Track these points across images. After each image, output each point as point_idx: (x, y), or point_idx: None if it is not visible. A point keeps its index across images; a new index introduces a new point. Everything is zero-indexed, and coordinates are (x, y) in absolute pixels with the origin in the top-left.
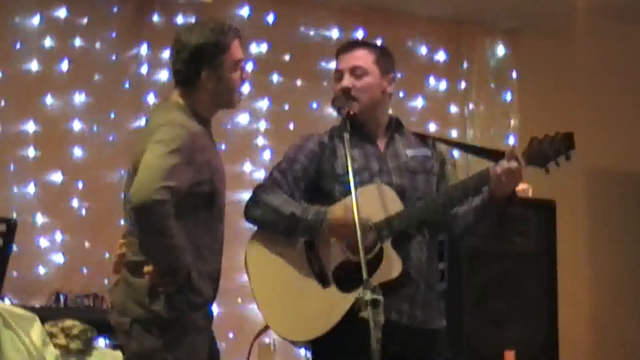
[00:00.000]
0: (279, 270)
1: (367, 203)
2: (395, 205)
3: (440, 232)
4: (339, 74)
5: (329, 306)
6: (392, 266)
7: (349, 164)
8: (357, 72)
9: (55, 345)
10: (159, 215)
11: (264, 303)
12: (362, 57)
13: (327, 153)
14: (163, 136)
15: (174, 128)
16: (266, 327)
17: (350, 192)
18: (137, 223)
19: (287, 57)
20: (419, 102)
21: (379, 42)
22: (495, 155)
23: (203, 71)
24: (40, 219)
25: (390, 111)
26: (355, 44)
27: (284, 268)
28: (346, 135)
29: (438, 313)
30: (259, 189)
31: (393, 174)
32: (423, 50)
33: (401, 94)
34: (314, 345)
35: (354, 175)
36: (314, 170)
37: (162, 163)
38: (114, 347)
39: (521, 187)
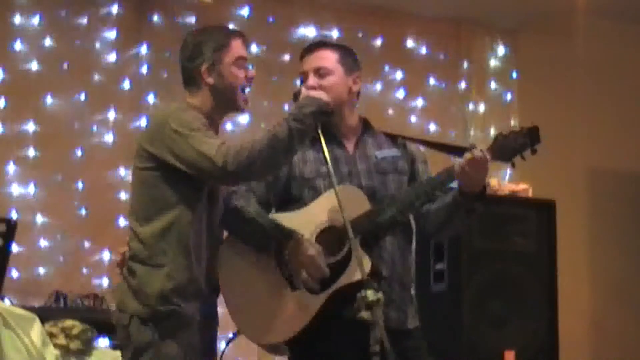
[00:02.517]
0: (249, 274)
1: (333, 206)
2: (363, 206)
3: (413, 231)
4: (303, 76)
5: (298, 308)
6: (361, 266)
7: (328, 162)
8: (321, 72)
9: (55, 345)
10: (252, 154)
11: (234, 307)
12: (326, 57)
13: (296, 157)
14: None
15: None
16: (238, 331)
17: (318, 196)
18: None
19: (286, 57)
20: (419, 102)
21: (379, 42)
22: (462, 150)
23: (202, 65)
24: (40, 219)
25: (390, 112)
26: (318, 45)
27: (254, 271)
28: (321, 135)
29: (413, 313)
30: (233, 196)
31: (362, 177)
32: (423, 50)
33: (401, 94)
34: (290, 349)
35: (323, 179)
36: (284, 176)
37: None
38: (114, 347)
39: (521, 187)
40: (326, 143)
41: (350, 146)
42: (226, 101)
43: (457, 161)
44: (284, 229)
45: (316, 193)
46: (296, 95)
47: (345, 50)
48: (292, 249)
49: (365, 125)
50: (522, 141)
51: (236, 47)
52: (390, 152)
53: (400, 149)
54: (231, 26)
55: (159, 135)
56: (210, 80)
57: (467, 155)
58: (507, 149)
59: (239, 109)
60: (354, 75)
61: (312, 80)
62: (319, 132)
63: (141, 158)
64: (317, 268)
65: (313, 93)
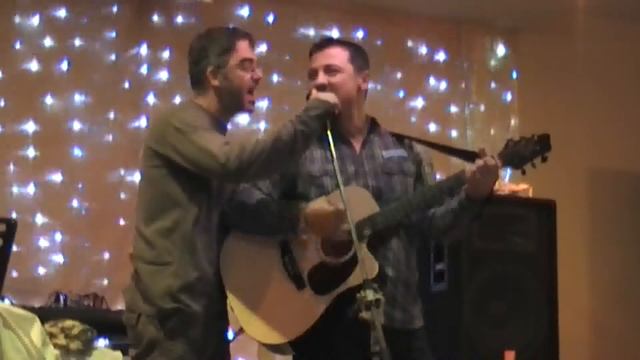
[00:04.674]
0: (254, 274)
1: (341, 205)
2: (371, 207)
3: (418, 233)
4: (313, 72)
5: (303, 309)
6: (368, 268)
7: (335, 163)
8: (331, 69)
9: (55, 346)
10: (254, 152)
11: (239, 306)
12: (336, 55)
13: (303, 155)
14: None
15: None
16: (241, 330)
17: (325, 194)
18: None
19: (287, 57)
20: (419, 102)
21: (379, 42)
22: (471, 155)
23: (207, 68)
24: (40, 219)
25: (390, 111)
26: (328, 42)
27: (259, 271)
28: (329, 135)
29: (417, 313)
30: (236, 190)
31: (369, 177)
32: (423, 50)
33: (401, 94)
34: (295, 349)
35: (330, 178)
36: (290, 173)
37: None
38: (114, 347)
39: (521, 187)
40: (334, 141)
41: (357, 145)
42: (232, 103)
43: (468, 167)
44: (291, 205)
45: (322, 191)
46: (309, 96)
47: (355, 48)
48: (313, 211)
49: (373, 125)
50: (533, 149)
51: (242, 49)
52: (396, 152)
53: (407, 150)
54: (230, 26)
55: (162, 134)
56: (216, 82)
57: (479, 162)
58: (517, 156)
59: (245, 110)
60: (364, 74)
61: (321, 77)
62: (328, 131)
63: (148, 157)
64: (339, 216)
65: (322, 95)
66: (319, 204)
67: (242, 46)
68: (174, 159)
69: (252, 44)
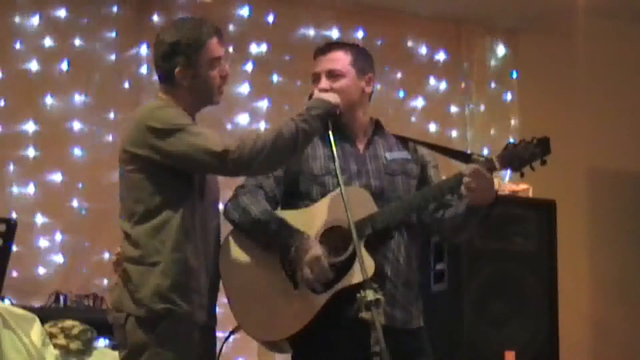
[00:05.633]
0: (252, 271)
1: (340, 206)
2: (370, 208)
3: (418, 233)
4: (316, 77)
5: (301, 306)
6: (363, 269)
7: (336, 162)
8: (333, 74)
9: (55, 346)
10: (255, 147)
11: (236, 303)
12: (339, 60)
13: (306, 153)
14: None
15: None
16: (237, 328)
17: (327, 193)
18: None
19: (287, 57)
20: (419, 102)
21: (379, 42)
22: (465, 157)
23: (177, 67)
24: (40, 219)
25: (390, 111)
26: (331, 46)
27: (257, 269)
28: (331, 135)
29: (417, 313)
30: (241, 190)
31: (372, 176)
32: (423, 50)
33: (401, 94)
34: (294, 348)
35: (332, 177)
36: (293, 171)
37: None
38: (114, 347)
39: (521, 187)
40: (338, 141)
41: (361, 146)
42: (202, 99)
43: (464, 179)
44: (289, 229)
45: (324, 190)
46: (311, 96)
47: (358, 52)
48: (298, 248)
49: (377, 127)
50: (533, 152)
51: (212, 48)
52: (400, 154)
53: (411, 152)
54: (231, 26)
55: (140, 136)
56: (185, 82)
57: (472, 170)
58: (517, 158)
59: (214, 103)
60: (367, 77)
61: (324, 83)
62: (330, 130)
63: (126, 160)
64: (321, 269)
65: (324, 95)
66: (310, 245)
67: (212, 45)
68: (155, 161)
69: (221, 40)
